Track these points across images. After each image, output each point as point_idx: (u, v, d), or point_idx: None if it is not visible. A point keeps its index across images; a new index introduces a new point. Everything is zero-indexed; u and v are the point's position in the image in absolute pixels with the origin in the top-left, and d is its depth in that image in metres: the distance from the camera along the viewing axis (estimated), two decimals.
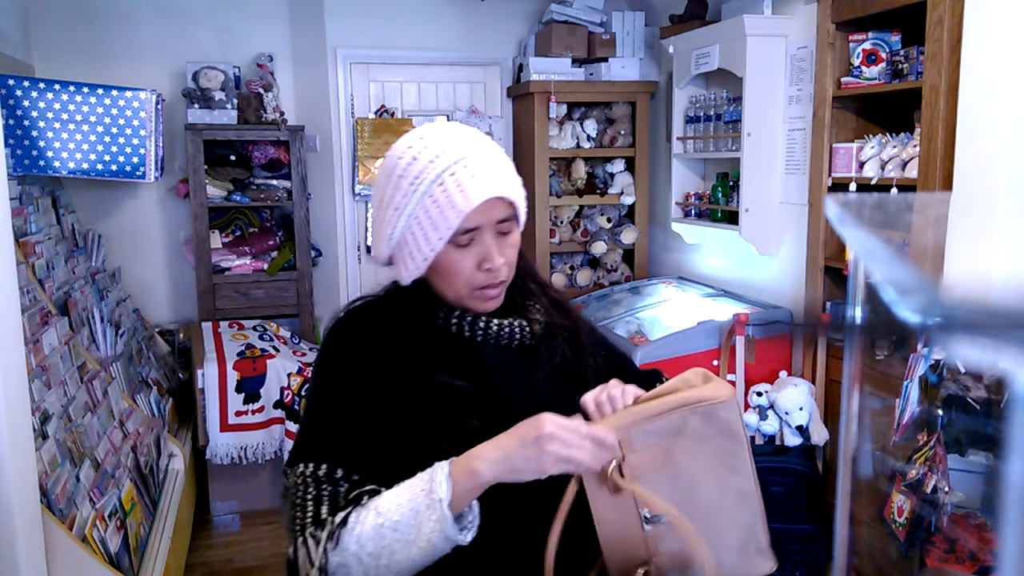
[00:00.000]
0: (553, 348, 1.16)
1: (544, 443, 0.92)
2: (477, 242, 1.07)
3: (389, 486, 1.01)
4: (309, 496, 1.01)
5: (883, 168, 2.60)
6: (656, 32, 3.96)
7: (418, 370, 1.07)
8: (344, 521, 0.98)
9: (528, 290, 1.20)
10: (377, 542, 0.95)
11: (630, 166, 4.17)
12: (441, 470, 0.95)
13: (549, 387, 1.14)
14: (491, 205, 1.05)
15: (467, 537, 0.96)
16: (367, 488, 1.02)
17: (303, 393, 3.38)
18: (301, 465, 1.04)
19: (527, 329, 1.14)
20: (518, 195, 1.09)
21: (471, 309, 1.12)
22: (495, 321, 1.12)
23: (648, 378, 1.28)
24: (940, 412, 1.87)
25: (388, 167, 1.08)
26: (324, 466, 1.03)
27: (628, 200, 4.14)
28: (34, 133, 3.09)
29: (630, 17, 4.05)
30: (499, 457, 0.94)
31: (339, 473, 1.02)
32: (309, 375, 3.03)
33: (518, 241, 1.12)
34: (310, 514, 1.00)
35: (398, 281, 1.13)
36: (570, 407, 1.05)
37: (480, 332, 1.11)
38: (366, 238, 4.21)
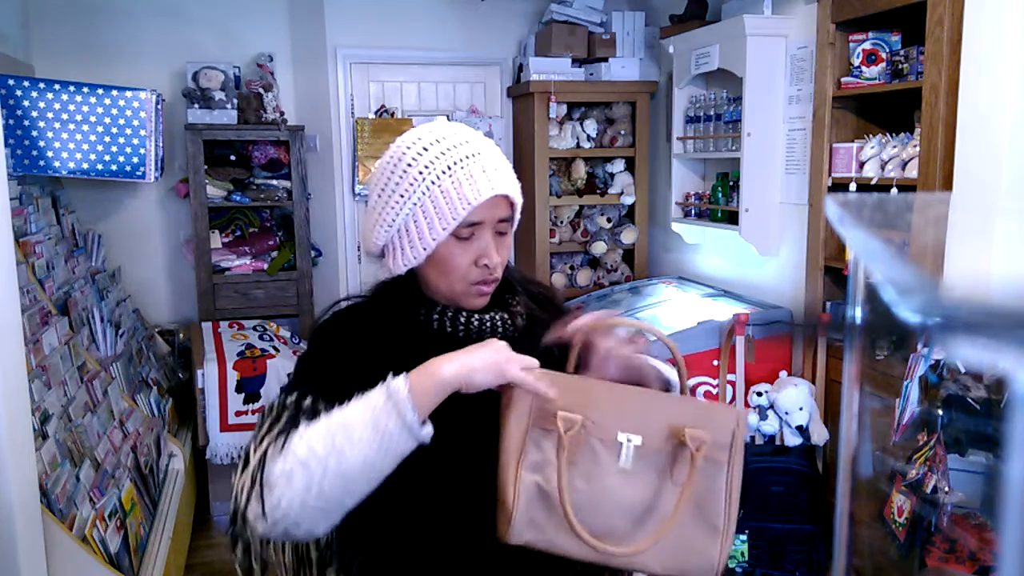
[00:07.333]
0: (534, 340, 1.16)
1: (504, 351, 0.99)
2: (477, 237, 1.09)
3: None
4: (271, 416, 1.03)
5: (883, 168, 2.60)
6: (656, 32, 3.96)
7: (402, 367, 1.06)
8: (294, 424, 0.98)
9: (509, 285, 1.21)
10: (326, 442, 0.93)
11: (630, 166, 4.17)
12: (396, 377, 0.97)
13: None
14: (496, 202, 1.08)
15: (426, 432, 0.95)
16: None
17: None
18: (282, 394, 1.05)
19: (508, 322, 1.15)
20: (519, 198, 1.13)
21: (460, 305, 1.13)
22: (476, 316, 1.13)
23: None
24: (940, 412, 1.87)
25: (394, 156, 1.09)
26: (295, 394, 1.04)
27: (628, 200, 4.14)
28: (34, 133, 3.09)
29: (630, 17, 4.05)
30: (458, 359, 0.97)
31: (308, 401, 1.02)
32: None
33: (511, 243, 1.15)
34: (264, 429, 1.01)
35: (384, 277, 1.14)
36: None
37: (462, 327, 1.12)
38: None
